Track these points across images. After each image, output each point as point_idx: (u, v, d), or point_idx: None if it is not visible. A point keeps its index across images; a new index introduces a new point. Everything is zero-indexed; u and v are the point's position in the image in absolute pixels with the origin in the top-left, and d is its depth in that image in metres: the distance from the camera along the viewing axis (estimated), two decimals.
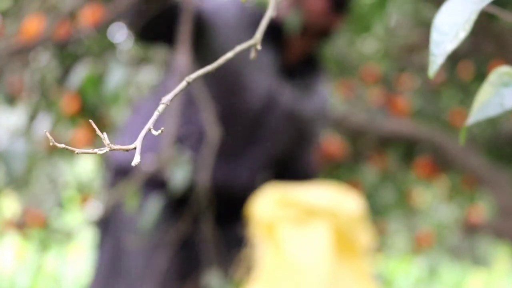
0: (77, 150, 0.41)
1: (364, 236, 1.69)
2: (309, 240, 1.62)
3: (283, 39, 1.91)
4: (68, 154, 3.24)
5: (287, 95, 1.93)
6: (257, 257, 1.65)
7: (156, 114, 0.44)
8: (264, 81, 1.88)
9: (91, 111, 2.89)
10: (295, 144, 2.00)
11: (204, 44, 1.81)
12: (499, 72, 0.49)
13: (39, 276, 3.78)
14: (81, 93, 2.89)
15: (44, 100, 2.99)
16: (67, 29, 2.78)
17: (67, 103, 3.11)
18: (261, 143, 1.92)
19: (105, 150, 0.42)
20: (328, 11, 1.88)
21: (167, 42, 1.79)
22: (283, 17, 1.87)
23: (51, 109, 3.20)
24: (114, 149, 0.41)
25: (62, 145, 0.42)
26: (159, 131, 0.43)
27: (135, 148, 0.41)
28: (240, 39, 1.93)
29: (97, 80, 1.30)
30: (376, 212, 4.57)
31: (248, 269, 1.66)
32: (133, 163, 0.41)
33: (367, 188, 4.38)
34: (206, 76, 1.94)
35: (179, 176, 1.27)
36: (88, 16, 2.62)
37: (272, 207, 1.64)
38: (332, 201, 1.67)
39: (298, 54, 1.97)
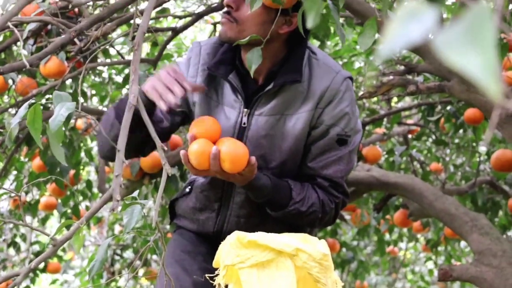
0: None
1: (330, 277, 1.62)
2: (273, 282, 1.56)
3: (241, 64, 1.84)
4: (35, 213, 3.14)
5: (258, 122, 1.83)
6: None
7: None
8: (229, 120, 1.84)
9: (54, 168, 2.82)
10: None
11: None
12: (406, 8, 0.45)
13: None
14: (41, 151, 2.82)
15: (8, 157, 2.91)
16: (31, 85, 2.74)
17: (33, 163, 3.04)
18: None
19: None
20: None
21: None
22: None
23: (16, 167, 3.12)
24: None
25: None
26: None
27: None
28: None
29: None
30: (357, 270, 4.47)
31: None
32: None
33: (345, 246, 4.29)
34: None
35: (131, 219, 1.20)
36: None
37: (235, 250, 1.59)
38: (295, 242, 1.61)
39: (263, 70, 1.83)
